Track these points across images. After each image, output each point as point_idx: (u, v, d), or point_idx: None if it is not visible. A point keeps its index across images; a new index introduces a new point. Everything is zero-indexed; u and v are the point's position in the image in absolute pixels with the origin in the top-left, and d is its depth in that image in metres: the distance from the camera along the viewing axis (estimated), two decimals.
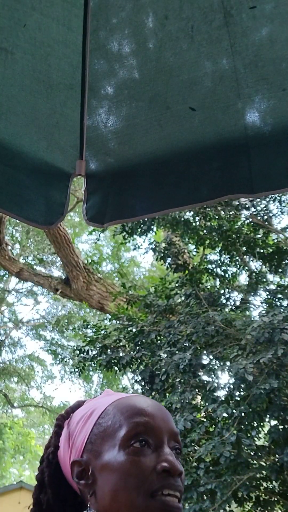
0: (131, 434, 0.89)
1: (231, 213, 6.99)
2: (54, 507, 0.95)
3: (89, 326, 7.43)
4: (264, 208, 7.09)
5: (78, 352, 6.81)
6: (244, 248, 7.14)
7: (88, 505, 0.89)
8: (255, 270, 7.36)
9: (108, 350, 6.50)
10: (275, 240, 7.29)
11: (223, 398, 5.61)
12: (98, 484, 0.89)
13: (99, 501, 0.88)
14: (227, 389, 5.73)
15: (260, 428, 5.76)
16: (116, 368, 6.51)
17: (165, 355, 6.15)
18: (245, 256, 7.37)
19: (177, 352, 5.93)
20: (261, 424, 5.77)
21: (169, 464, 0.87)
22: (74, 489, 0.95)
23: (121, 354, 6.44)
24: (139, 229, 7.19)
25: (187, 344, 6.04)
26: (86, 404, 1.02)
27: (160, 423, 0.92)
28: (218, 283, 7.42)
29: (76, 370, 6.93)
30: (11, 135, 1.56)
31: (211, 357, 6.04)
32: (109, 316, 7.63)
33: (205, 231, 7.15)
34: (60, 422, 1.01)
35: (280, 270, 7.06)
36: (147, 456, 0.88)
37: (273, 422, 5.60)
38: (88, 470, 0.91)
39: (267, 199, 7.04)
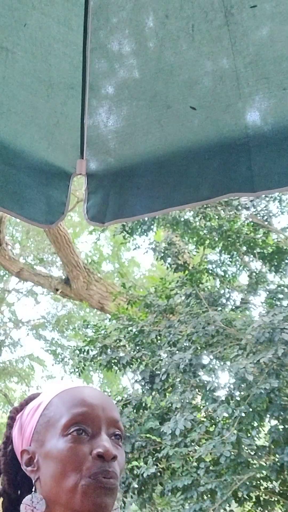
0: (70, 423, 0.96)
1: (231, 213, 6.99)
2: (10, 492, 1.04)
3: (89, 326, 7.42)
4: (264, 208, 7.09)
5: (78, 352, 6.81)
6: (244, 248, 7.14)
7: (34, 489, 0.98)
8: (255, 270, 7.35)
9: (108, 350, 6.49)
10: (275, 240, 7.28)
11: (223, 398, 5.61)
12: (42, 471, 0.97)
13: (42, 486, 0.96)
14: (227, 389, 5.72)
15: (260, 428, 5.76)
16: (116, 368, 6.50)
17: (165, 355, 6.15)
18: (245, 256, 7.37)
19: (177, 352, 5.93)
20: (261, 424, 5.76)
21: (103, 449, 0.94)
22: (28, 476, 1.02)
23: (121, 354, 6.43)
24: (139, 229, 7.19)
25: (187, 344, 6.04)
26: (39, 396, 1.09)
27: (99, 412, 0.99)
28: (218, 283, 7.42)
29: (76, 370, 6.93)
30: (11, 134, 1.56)
31: (211, 357, 6.04)
32: (109, 316, 7.62)
33: (205, 231, 7.15)
34: (12, 415, 1.10)
35: (280, 270, 7.06)
36: (84, 443, 0.95)
37: (273, 422, 5.60)
38: (34, 458, 0.99)
39: (267, 199, 7.03)
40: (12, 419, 1.08)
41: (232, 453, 5.05)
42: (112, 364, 6.43)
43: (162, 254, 7.19)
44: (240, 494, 5.26)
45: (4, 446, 1.07)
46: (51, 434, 0.97)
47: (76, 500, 0.91)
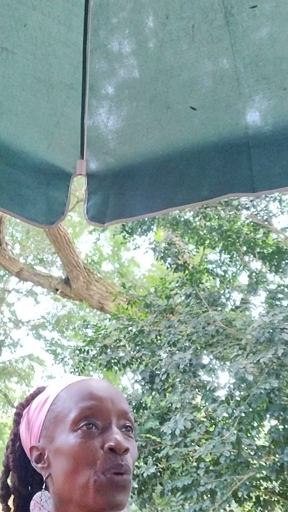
0: (79, 418, 0.94)
1: (231, 213, 6.99)
2: (20, 489, 1.02)
3: (89, 326, 7.42)
4: (264, 208, 7.09)
5: (78, 352, 6.81)
6: (244, 248, 7.14)
7: (44, 487, 0.96)
8: (255, 270, 7.35)
9: (108, 350, 6.49)
10: (275, 240, 7.28)
11: (223, 398, 5.61)
12: (52, 467, 0.95)
13: (54, 483, 0.95)
14: (227, 389, 5.72)
15: (260, 428, 5.76)
16: (116, 368, 6.50)
17: (165, 355, 6.15)
18: (245, 256, 7.37)
19: (177, 352, 5.93)
20: (261, 424, 5.77)
21: (115, 442, 0.92)
22: (38, 472, 1.01)
23: (121, 354, 6.43)
24: (139, 229, 7.18)
25: (187, 344, 6.04)
26: (45, 390, 1.07)
27: (108, 404, 0.97)
28: (218, 283, 7.42)
29: (76, 370, 6.93)
30: (11, 134, 1.56)
31: (211, 357, 6.04)
32: (109, 316, 7.62)
33: (205, 231, 7.15)
34: (19, 411, 1.07)
35: (280, 270, 7.06)
36: (95, 438, 0.93)
37: (273, 422, 5.60)
38: (44, 454, 0.97)
39: (267, 199, 7.03)
40: (18, 415, 1.06)
41: (232, 453, 5.05)
42: (112, 364, 6.43)
43: (162, 254, 7.19)
44: (240, 494, 5.26)
45: (12, 443, 1.06)
46: (61, 430, 0.95)
47: (89, 497, 0.90)
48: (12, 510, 1.02)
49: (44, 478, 0.96)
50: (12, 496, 1.03)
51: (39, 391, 1.08)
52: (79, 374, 6.99)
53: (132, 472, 0.96)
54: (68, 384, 1.01)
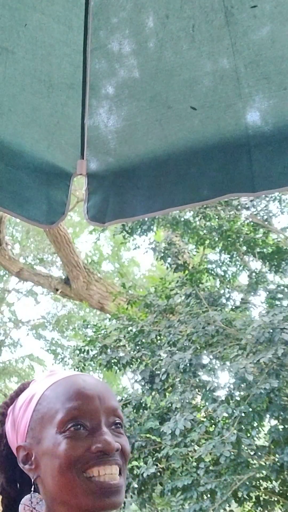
0: (66, 419, 0.92)
1: (231, 213, 6.99)
2: (8, 490, 1.00)
3: (89, 326, 7.42)
4: (264, 208, 7.09)
5: (78, 352, 6.81)
6: (244, 248, 7.14)
7: (32, 489, 0.94)
8: (255, 270, 7.36)
9: (108, 350, 6.49)
10: (275, 240, 7.28)
11: (223, 398, 5.61)
12: (41, 469, 0.93)
13: (44, 485, 0.93)
14: (227, 389, 5.72)
15: (260, 428, 5.76)
16: (116, 367, 6.50)
17: (165, 355, 6.15)
18: (245, 256, 7.37)
19: (177, 352, 5.93)
20: (261, 424, 5.76)
21: (103, 444, 0.90)
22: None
23: (121, 354, 6.43)
24: (139, 229, 7.18)
25: (187, 344, 6.04)
26: (30, 387, 1.04)
27: (96, 402, 0.94)
28: (218, 283, 7.42)
29: (76, 370, 6.93)
30: (12, 134, 1.56)
31: (211, 357, 6.03)
32: (109, 316, 7.62)
33: (205, 231, 7.15)
34: (3, 410, 1.05)
35: (280, 270, 7.06)
36: (83, 439, 0.91)
37: (273, 422, 5.60)
38: (31, 455, 0.95)
39: (267, 199, 7.03)
40: (3, 415, 1.04)
41: (232, 453, 5.05)
42: (112, 364, 6.43)
43: (162, 254, 7.19)
44: (240, 494, 5.26)
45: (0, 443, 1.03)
46: (47, 431, 0.93)
47: (79, 499, 0.88)
48: (1, 510, 1.01)
49: (32, 480, 0.94)
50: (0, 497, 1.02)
51: (23, 387, 1.06)
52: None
53: (127, 465, 0.94)
54: (53, 382, 0.98)
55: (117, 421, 0.95)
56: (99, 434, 0.91)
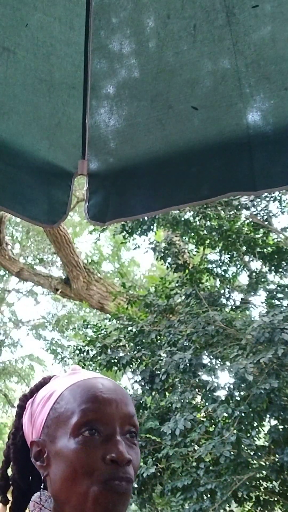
0: (81, 422, 0.91)
1: (231, 213, 6.99)
2: (19, 482, 1.00)
3: (89, 326, 7.43)
4: (264, 208, 7.09)
5: (78, 352, 6.81)
6: (244, 248, 7.14)
7: (42, 486, 0.94)
8: (255, 270, 7.36)
9: (108, 350, 6.49)
10: (275, 240, 7.28)
11: (223, 398, 5.61)
12: (52, 468, 0.93)
13: (52, 485, 0.92)
14: (227, 389, 5.72)
15: (260, 428, 5.76)
16: (116, 368, 6.50)
17: (165, 355, 6.15)
18: (245, 256, 7.37)
19: (177, 352, 5.93)
20: (261, 424, 5.77)
21: (117, 454, 0.89)
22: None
23: (121, 354, 6.43)
24: (139, 229, 7.18)
25: (187, 344, 6.04)
26: (50, 383, 1.04)
27: (112, 409, 0.93)
28: (218, 283, 7.42)
29: None
30: (13, 134, 1.56)
31: (211, 357, 6.04)
32: (109, 316, 7.62)
33: (205, 231, 7.15)
34: (22, 403, 1.04)
35: (280, 270, 7.06)
36: (97, 446, 0.90)
37: (273, 422, 5.60)
38: (44, 453, 0.95)
39: (267, 199, 7.03)
40: (21, 408, 1.03)
41: (232, 453, 5.05)
42: (112, 364, 6.43)
43: (162, 254, 7.19)
44: (240, 494, 5.26)
45: (14, 435, 1.03)
46: (62, 432, 0.92)
47: (87, 505, 0.87)
48: (10, 501, 1.00)
49: (42, 477, 0.94)
50: (11, 488, 1.01)
51: (44, 382, 1.05)
52: None
53: (135, 477, 0.93)
54: (73, 382, 0.98)
55: (132, 430, 0.95)
56: (113, 443, 0.90)
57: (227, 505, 5.21)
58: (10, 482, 1.01)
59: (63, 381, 1.01)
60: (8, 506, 1.01)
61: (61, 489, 0.90)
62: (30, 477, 1.01)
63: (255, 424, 5.51)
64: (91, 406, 0.92)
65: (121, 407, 0.94)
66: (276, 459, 5.27)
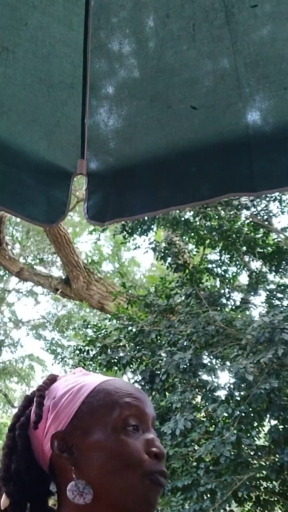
0: (124, 416, 0.94)
1: (231, 213, 6.99)
2: (23, 474, 0.98)
3: (89, 326, 7.43)
4: (265, 208, 7.09)
5: (78, 352, 6.81)
6: (244, 248, 7.14)
7: (74, 477, 0.92)
8: (255, 270, 7.36)
9: (108, 350, 6.50)
10: (275, 240, 7.29)
11: (223, 398, 5.61)
12: (84, 460, 0.92)
13: (86, 477, 0.91)
14: (227, 389, 5.73)
15: (260, 428, 5.76)
16: (116, 367, 6.50)
17: (165, 355, 6.15)
18: (245, 256, 7.37)
19: (177, 352, 5.93)
20: (261, 424, 5.77)
21: (159, 450, 0.93)
22: (38, 458, 0.98)
23: (121, 354, 6.43)
24: (139, 229, 7.19)
25: (187, 344, 6.04)
26: (65, 379, 1.03)
27: (147, 407, 0.98)
28: (218, 283, 7.42)
29: None
30: (12, 134, 1.56)
31: (211, 357, 6.04)
32: (109, 316, 7.62)
33: (205, 231, 7.15)
34: (43, 393, 1.01)
35: (280, 270, 7.06)
36: (138, 439, 0.93)
37: (273, 422, 5.60)
38: (71, 444, 0.94)
39: (267, 199, 7.04)
40: (43, 398, 1.00)
41: (232, 453, 5.05)
42: (112, 364, 6.43)
43: (162, 254, 7.19)
44: (240, 494, 5.26)
45: (27, 427, 1.00)
46: (100, 425, 0.93)
47: (130, 497, 0.90)
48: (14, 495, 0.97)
49: (71, 468, 0.92)
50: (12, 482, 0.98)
51: (53, 378, 1.04)
52: None
53: None
54: (103, 380, 1.00)
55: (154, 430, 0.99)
56: (152, 438, 0.95)
57: (227, 505, 5.21)
58: (11, 475, 0.97)
59: (86, 378, 1.01)
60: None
61: (101, 481, 0.90)
62: (31, 473, 0.99)
63: (255, 424, 5.51)
64: (132, 401, 0.96)
65: (150, 407, 0.99)
66: (276, 459, 5.27)
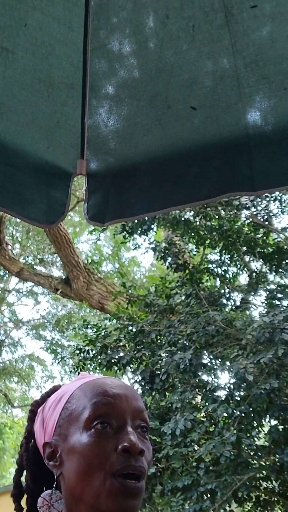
0: (93, 416, 0.92)
1: (231, 213, 6.99)
2: (34, 489, 1.00)
3: (89, 326, 7.43)
4: (265, 208, 7.09)
5: (78, 352, 6.81)
6: (245, 248, 7.14)
7: (54, 486, 0.94)
8: (256, 270, 7.36)
9: (108, 350, 6.50)
10: (276, 240, 7.28)
11: (223, 398, 5.61)
12: (65, 466, 0.93)
13: (66, 482, 0.92)
14: (227, 389, 5.73)
15: (260, 428, 5.76)
16: (116, 367, 6.51)
17: (165, 355, 6.15)
18: (245, 256, 7.37)
19: (177, 352, 5.93)
20: (261, 424, 5.77)
21: (129, 443, 0.89)
22: (50, 471, 0.99)
23: (121, 354, 6.43)
24: (140, 229, 7.19)
25: (187, 344, 6.04)
26: (60, 389, 1.05)
27: (124, 403, 0.94)
28: (218, 283, 7.42)
29: (76, 369, 6.93)
30: (12, 134, 1.56)
31: (211, 357, 6.04)
32: (109, 316, 7.63)
33: (205, 230, 7.15)
34: (34, 408, 1.06)
35: (280, 270, 7.06)
36: (109, 438, 0.90)
37: (273, 422, 5.60)
38: (57, 452, 0.95)
39: (268, 199, 7.03)
40: (33, 413, 1.04)
41: (232, 453, 5.05)
42: (112, 364, 6.43)
43: (162, 254, 7.19)
44: (240, 494, 5.26)
45: (26, 441, 1.03)
46: (74, 428, 0.93)
47: (100, 500, 0.87)
48: (25, 509, 1.00)
49: (55, 476, 0.94)
50: (25, 496, 1.01)
51: (54, 389, 1.07)
52: (78, 374, 6.98)
53: (148, 472, 0.93)
54: (83, 383, 0.99)
55: (142, 424, 0.95)
56: (124, 433, 0.91)
57: (227, 505, 5.21)
58: (24, 490, 1.01)
59: (72, 384, 1.02)
60: None
61: (76, 485, 0.90)
62: (43, 486, 1.01)
63: (255, 424, 5.51)
64: (102, 400, 0.93)
65: (131, 401, 0.95)
66: (276, 459, 5.27)
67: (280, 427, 5.34)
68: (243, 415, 5.24)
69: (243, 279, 8.27)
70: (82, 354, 6.72)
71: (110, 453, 0.89)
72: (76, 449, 0.91)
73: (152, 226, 7.20)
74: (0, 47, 1.45)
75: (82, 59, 1.51)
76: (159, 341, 6.45)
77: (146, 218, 6.69)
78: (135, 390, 0.99)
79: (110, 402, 0.93)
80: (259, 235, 7.19)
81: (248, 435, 5.30)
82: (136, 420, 0.94)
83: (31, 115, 1.57)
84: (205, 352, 6.00)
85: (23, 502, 1.02)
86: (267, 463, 5.40)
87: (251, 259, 7.41)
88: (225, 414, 5.29)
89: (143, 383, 6.33)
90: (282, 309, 5.65)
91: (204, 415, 5.78)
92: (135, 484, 0.88)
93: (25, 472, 1.02)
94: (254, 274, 7.22)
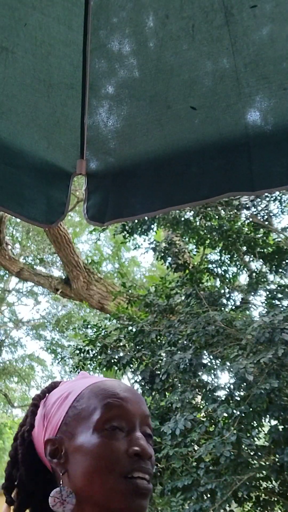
0: (105, 418, 0.93)
1: (231, 213, 6.99)
2: (26, 483, 1.00)
3: (89, 326, 7.42)
4: (265, 208, 7.09)
5: (78, 351, 6.81)
6: (245, 248, 7.13)
7: (61, 483, 0.93)
8: (256, 270, 7.35)
9: (108, 350, 6.49)
10: (276, 240, 7.28)
11: (223, 398, 5.61)
12: (71, 464, 0.93)
13: (72, 481, 0.93)
14: (227, 389, 5.72)
15: (260, 428, 5.76)
16: (116, 367, 6.50)
17: (165, 355, 6.15)
18: (245, 256, 7.37)
19: (177, 352, 5.93)
20: (261, 424, 5.76)
21: (140, 448, 0.91)
22: (45, 466, 1.00)
23: (121, 354, 6.43)
24: (140, 229, 7.18)
25: (187, 344, 6.03)
26: (62, 386, 1.05)
27: (133, 406, 0.96)
28: (218, 283, 7.42)
29: (76, 369, 6.93)
30: (11, 134, 1.56)
31: (211, 357, 6.04)
32: (109, 316, 7.62)
33: (205, 230, 7.14)
34: (36, 402, 1.04)
35: (280, 270, 7.06)
36: (120, 440, 0.92)
37: (273, 422, 5.60)
38: (61, 450, 0.95)
39: (268, 199, 7.03)
40: (36, 407, 1.03)
41: (232, 453, 5.05)
42: (112, 364, 6.43)
43: (162, 254, 7.19)
44: (240, 494, 5.26)
45: (27, 434, 1.02)
46: (83, 428, 0.94)
47: (110, 500, 0.89)
48: (15, 504, 1.00)
49: (60, 474, 0.94)
50: (15, 490, 1.01)
51: (54, 385, 1.07)
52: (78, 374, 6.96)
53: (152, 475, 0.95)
54: (91, 383, 1.00)
55: (148, 431, 0.97)
56: (135, 437, 0.93)
57: (227, 505, 5.21)
58: (16, 483, 1.01)
59: (78, 383, 1.02)
60: (12, 507, 1.00)
61: (84, 484, 0.91)
62: (36, 483, 1.01)
63: (255, 424, 5.51)
64: (114, 402, 0.95)
65: (139, 406, 0.97)
66: (276, 459, 5.27)
67: (280, 427, 5.34)
68: (243, 415, 5.24)
69: (243, 279, 8.27)
70: (82, 354, 6.72)
71: (121, 455, 0.91)
72: (85, 449, 0.92)
73: (152, 226, 7.20)
74: (0, 47, 1.45)
75: (82, 59, 1.51)
76: (159, 341, 6.45)
77: (146, 218, 6.69)
78: (140, 395, 1.01)
79: (122, 405, 0.95)
80: (259, 235, 7.19)
81: (248, 435, 5.30)
82: (143, 426, 0.97)
83: (30, 115, 1.57)
84: (205, 352, 6.00)
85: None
86: (267, 463, 5.40)
87: (251, 259, 7.41)
88: (225, 414, 5.29)
89: (143, 383, 6.33)
90: (282, 309, 5.65)
91: (204, 415, 5.78)
92: (146, 484, 0.91)
93: (19, 466, 1.01)
94: (254, 274, 7.22)
